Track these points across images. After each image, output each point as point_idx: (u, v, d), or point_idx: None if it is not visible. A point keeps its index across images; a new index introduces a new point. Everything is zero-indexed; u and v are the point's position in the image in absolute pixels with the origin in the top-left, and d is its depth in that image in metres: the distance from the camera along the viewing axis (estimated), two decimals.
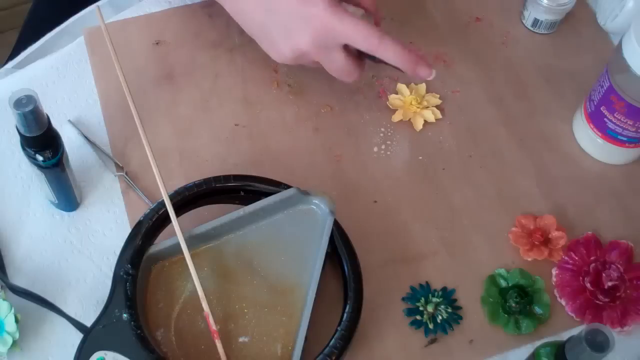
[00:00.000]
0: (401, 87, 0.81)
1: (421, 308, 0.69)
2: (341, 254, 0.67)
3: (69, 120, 0.77)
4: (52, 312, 0.66)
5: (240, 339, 0.65)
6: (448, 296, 0.70)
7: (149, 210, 0.67)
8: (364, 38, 0.69)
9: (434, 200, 0.76)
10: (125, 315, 0.62)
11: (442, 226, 0.74)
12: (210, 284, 0.66)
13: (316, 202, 0.69)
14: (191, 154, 0.76)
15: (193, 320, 0.65)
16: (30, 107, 0.60)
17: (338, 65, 0.71)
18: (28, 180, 0.74)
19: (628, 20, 0.81)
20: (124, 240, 0.65)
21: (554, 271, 0.72)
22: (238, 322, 0.65)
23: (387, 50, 0.69)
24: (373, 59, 0.72)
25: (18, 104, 0.60)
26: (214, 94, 0.80)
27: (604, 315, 0.70)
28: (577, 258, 0.72)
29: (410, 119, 0.79)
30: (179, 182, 0.69)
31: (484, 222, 0.75)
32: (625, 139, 0.75)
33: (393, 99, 0.80)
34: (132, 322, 0.62)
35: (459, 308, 0.70)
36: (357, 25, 0.68)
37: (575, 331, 0.58)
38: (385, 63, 0.72)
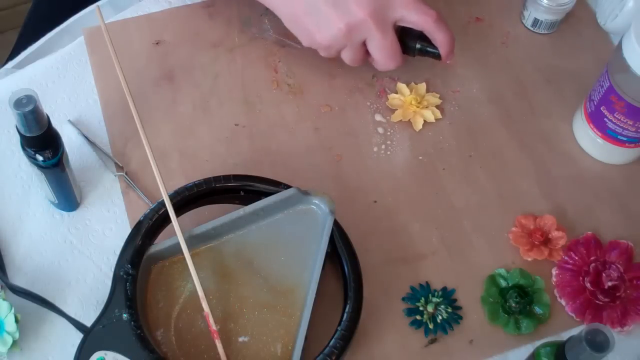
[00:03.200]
0: (401, 86, 0.81)
1: (421, 308, 0.69)
2: (341, 254, 0.67)
3: (69, 120, 0.77)
4: (52, 312, 0.66)
5: (240, 339, 0.65)
6: (448, 296, 0.70)
7: (149, 210, 0.67)
8: (422, 12, 0.71)
9: (434, 200, 0.76)
10: (125, 315, 0.62)
11: (442, 226, 0.74)
12: (210, 284, 0.66)
13: (316, 202, 0.69)
14: (191, 154, 0.76)
15: (193, 320, 0.65)
16: (30, 107, 0.60)
17: (388, 43, 0.72)
18: (28, 180, 0.74)
19: (628, 20, 0.81)
20: (124, 240, 0.65)
21: (554, 271, 0.72)
22: (238, 322, 0.65)
23: (440, 30, 0.72)
24: (410, 50, 0.75)
25: (18, 104, 0.60)
26: (214, 94, 0.80)
27: (604, 315, 0.70)
28: (577, 258, 0.72)
29: (410, 119, 0.79)
30: (179, 182, 0.69)
31: (484, 222, 0.75)
32: (625, 139, 0.75)
33: (393, 98, 0.80)
34: (132, 322, 0.62)
35: (459, 308, 0.70)
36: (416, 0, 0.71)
37: (575, 331, 0.58)
38: (422, 54, 0.75)
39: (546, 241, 0.73)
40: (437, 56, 0.75)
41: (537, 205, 0.76)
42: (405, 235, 0.73)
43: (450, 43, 0.74)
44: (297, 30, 0.74)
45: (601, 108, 0.74)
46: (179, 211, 0.66)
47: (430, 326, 0.69)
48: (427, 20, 0.72)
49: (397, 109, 0.80)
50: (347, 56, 0.74)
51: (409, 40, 0.75)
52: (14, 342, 0.64)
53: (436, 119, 0.80)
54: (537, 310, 0.70)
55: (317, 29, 0.72)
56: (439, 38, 0.73)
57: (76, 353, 0.61)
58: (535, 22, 0.85)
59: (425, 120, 0.79)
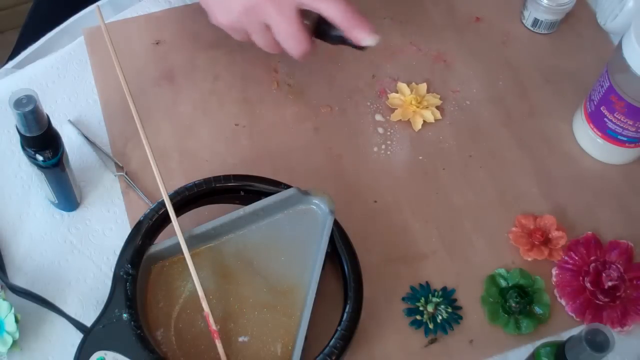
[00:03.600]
0: (402, 86, 0.81)
1: (421, 308, 0.69)
2: (341, 254, 0.67)
3: (69, 120, 0.77)
4: (52, 312, 0.66)
5: (240, 339, 0.65)
6: (448, 296, 0.70)
7: (149, 210, 0.67)
8: None
9: (434, 200, 0.76)
10: (125, 315, 0.62)
11: (442, 226, 0.74)
12: (210, 284, 0.66)
13: (316, 202, 0.69)
14: (191, 154, 0.76)
15: (193, 320, 0.65)
16: (30, 107, 0.60)
17: (289, 26, 0.68)
18: (28, 180, 0.74)
19: (628, 20, 0.81)
20: (124, 240, 0.65)
21: (554, 271, 0.72)
22: (238, 322, 0.65)
23: (329, 5, 0.67)
24: (329, 37, 0.71)
25: (18, 104, 0.60)
26: (214, 94, 0.80)
27: (604, 315, 0.70)
28: (577, 258, 0.72)
29: (409, 119, 0.79)
30: (179, 182, 0.69)
31: (484, 222, 0.75)
32: (625, 139, 0.75)
33: (393, 98, 0.80)
34: (132, 322, 0.62)
35: (459, 308, 0.70)
36: None
37: (575, 331, 0.58)
38: (343, 43, 0.70)
39: (546, 241, 0.73)
40: (357, 46, 0.70)
41: (537, 205, 0.76)
42: (405, 235, 0.73)
43: (345, 16, 0.67)
44: (206, 9, 0.73)
45: (601, 108, 0.74)
46: (179, 211, 0.66)
47: (430, 326, 0.69)
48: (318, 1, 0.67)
49: (397, 109, 0.80)
50: (257, 40, 0.72)
51: (326, 27, 0.70)
52: (14, 342, 0.64)
53: (436, 120, 0.80)
54: (537, 310, 0.70)
55: (218, 9, 0.72)
56: (330, 14, 0.67)
57: (76, 353, 0.61)
58: (535, 22, 0.85)
59: (424, 121, 0.79)
